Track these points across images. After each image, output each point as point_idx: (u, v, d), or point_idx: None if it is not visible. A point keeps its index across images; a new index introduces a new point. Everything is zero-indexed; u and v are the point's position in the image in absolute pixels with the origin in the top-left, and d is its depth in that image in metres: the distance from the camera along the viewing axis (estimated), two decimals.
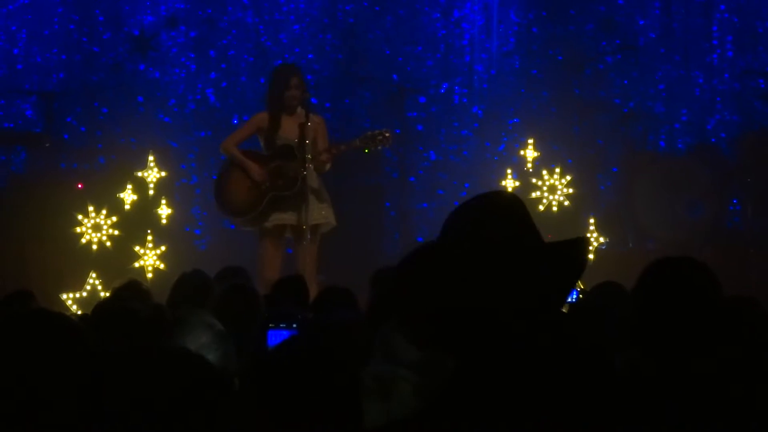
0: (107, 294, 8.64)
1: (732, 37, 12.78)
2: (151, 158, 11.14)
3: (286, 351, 2.61)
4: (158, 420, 2.47)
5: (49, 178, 11.45)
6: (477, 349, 2.26)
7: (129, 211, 10.89)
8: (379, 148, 9.56)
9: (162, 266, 10.68)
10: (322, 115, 10.25)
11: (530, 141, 11.52)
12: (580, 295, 6.23)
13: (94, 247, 10.68)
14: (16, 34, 12.64)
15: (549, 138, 11.85)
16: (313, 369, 2.53)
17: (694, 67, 12.78)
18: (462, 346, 2.27)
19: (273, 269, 9.35)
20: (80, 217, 10.68)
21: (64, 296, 10.21)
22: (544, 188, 11.33)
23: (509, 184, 11.38)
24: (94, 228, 10.70)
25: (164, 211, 11.06)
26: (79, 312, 9.18)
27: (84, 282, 10.33)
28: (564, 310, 3.62)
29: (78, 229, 10.67)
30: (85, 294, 10.28)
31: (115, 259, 10.65)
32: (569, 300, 5.52)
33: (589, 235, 10.95)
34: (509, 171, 11.49)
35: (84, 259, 10.59)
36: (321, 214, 9.44)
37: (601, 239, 11.13)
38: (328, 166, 9.54)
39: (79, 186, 11.16)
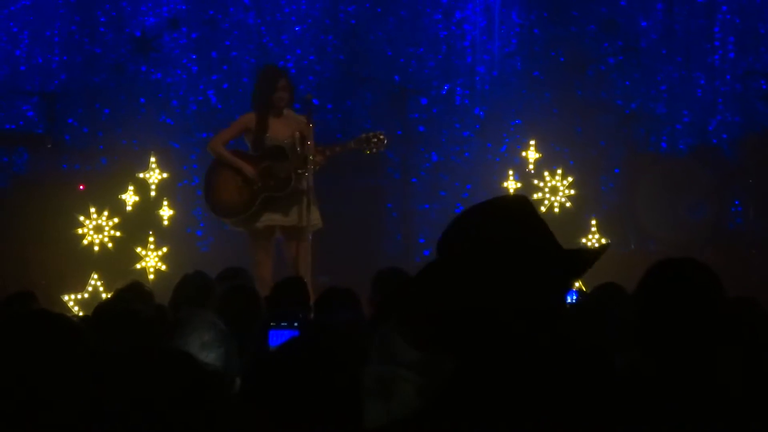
0: (109, 295, 8.63)
1: (734, 38, 12.77)
2: (152, 159, 11.14)
3: (287, 351, 2.61)
4: (158, 420, 2.48)
5: (51, 179, 11.44)
6: (477, 349, 2.26)
7: (131, 212, 10.89)
8: (374, 151, 9.51)
9: (164, 267, 10.68)
10: (324, 116, 10.24)
11: (532, 142, 11.52)
12: (580, 296, 6.23)
13: (96, 248, 10.68)
14: (18, 35, 12.65)
15: (551, 139, 11.85)
16: (313, 369, 2.53)
17: (696, 68, 12.78)
18: (462, 347, 2.27)
19: (265, 269, 9.33)
20: (82, 218, 10.68)
21: (66, 297, 10.20)
22: (546, 189, 11.33)
23: (511, 185, 11.38)
24: (96, 229, 10.70)
25: (166, 212, 11.07)
26: (81, 313, 9.19)
27: (85, 283, 10.33)
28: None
29: (79, 231, 10.67)
30: (86, 295, 10.27)
31: (116, 260, 10.65)
32: (569, 300, 5.53)
33: (595, 242, 10.93)
34: (511, 172, 11.49)
35: (85, 260, 10.59)
36: (316, 215, 9.42)
37: (603, 241, 11.11)
38: (318, 168, 9.48)
39: (81, 187, 11.16)
